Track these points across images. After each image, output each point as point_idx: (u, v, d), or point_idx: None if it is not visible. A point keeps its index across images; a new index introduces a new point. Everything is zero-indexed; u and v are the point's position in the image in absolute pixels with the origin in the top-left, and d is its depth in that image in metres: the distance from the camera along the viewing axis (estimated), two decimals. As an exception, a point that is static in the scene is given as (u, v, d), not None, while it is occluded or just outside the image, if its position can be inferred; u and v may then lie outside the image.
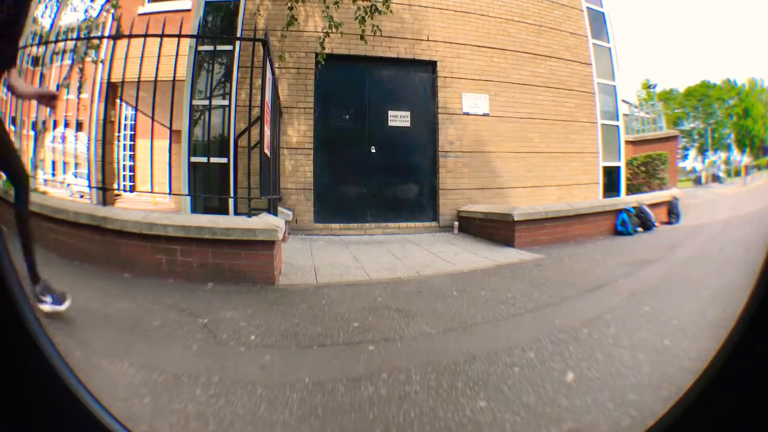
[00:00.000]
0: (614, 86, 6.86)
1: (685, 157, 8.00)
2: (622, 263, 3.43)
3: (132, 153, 6.30)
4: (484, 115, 5.99)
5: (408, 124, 5.87)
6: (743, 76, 7.36)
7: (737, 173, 6.97)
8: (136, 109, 5.93)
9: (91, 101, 5.00)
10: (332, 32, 5.02)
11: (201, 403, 1.43)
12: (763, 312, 0.69)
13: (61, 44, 4.96)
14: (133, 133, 6.39)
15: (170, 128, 3.53)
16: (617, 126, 6.81)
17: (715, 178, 7.17)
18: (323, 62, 5.29)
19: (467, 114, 5.97)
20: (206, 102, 4.91)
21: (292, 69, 5.45)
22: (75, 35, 5.05)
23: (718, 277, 2.73)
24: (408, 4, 5.88)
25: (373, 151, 5.77)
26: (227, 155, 4.95)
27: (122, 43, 3.51)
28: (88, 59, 4.83)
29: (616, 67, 6.85)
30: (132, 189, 5.68)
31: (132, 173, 6.21)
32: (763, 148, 7.10)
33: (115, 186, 5.54)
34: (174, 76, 3.47)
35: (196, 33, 4.66)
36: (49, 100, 2.10)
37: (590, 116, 6.45)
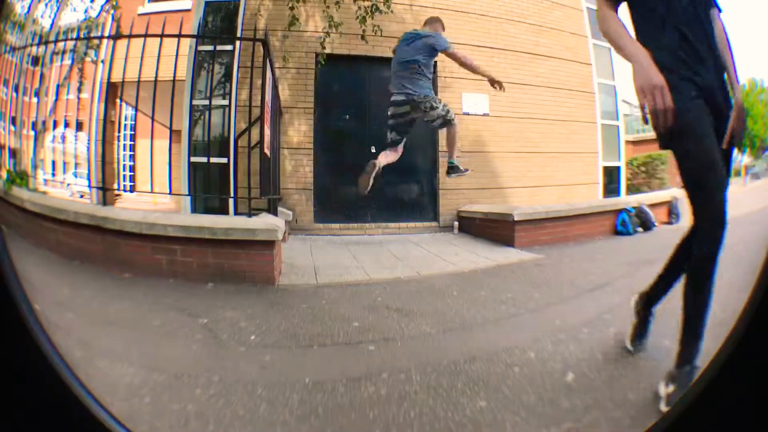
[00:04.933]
0: (614, 86, 6.85)
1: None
2: (622, 263, 3.43)
3: (132, 153, 6.29)
4: (484, 115, 5.98)
5: (408, 124, 5.87)
6: (743, 76, 7.36)
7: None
8: (136, 109, 5.92)
9: (91, 101, 5.00)
10: (333, 32, 5.01)
11: (201, 403, 1.43)
12: (763, 312, 0.69)
13: (61, 44, 4.95)
14: (133, 133, 6.38)
15: (170, 128, 3.53)
16: (617, 126, 6.81)
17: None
18: (324, 63, 5.29)
19: (467, 114, 5.97)
20: (206, 102, 4.90)
21: (292, 69, 5.45)
22: (75, 35, 5.04)
23: (718, 277, 2.72)
24: (409, 5, 5.88)
25: (374, 151, 5.76)
26: (227, 155, 4.95)
27: (122, 43, 3.52)
28: (88, 59, 4.82)
29: (616, 67, 6.85)
30: (132, 189, 5.67)
31: (132, 173, 6.21)
32: (763, 148, 7.10)
33: (115, 186, 5.53)
34: (174, 76, 3.47)
35: (196, 33, 4.66)
36: None
37: (590, 116, 6.44)
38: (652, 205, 4.82)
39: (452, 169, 4.10)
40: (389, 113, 3.86)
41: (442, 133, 4.25)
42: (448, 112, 3.95)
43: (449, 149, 4.11)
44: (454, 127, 4.01)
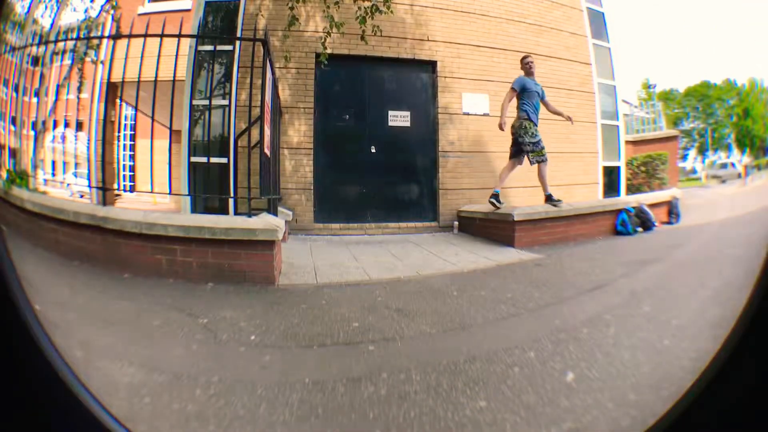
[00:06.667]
0: (614, 86, 6.86)
1: (685, 157, 8.01)
2: (622, 263, 3.43)
3: (132, 153, 6.30)
4: (484, 115, 5.98)
5: (408, 124, 5.87)
6: (743, 76, 7.37)
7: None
8: (136, 109, 5.92)
9: (91, 101, 5.00)
10: (333, 32, 5.01)
11: (201, 403, 1.43)
12: (763, 312, 0.69)
13: (61, 44, 4.96)
14: (133, 133, 6.38)
15: (170, 128, 3.53)
16: (617, 126, 6.81)
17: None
18: (326, 62, 5.28)
19: (467, 114, 5.97)
20: (206, 102, 4.91)
21: (292, 69, 5.45)
22: (75, 35, 5.05)
23: (718, 277, 2.73)
24: (409, 5, 5.88)
25: (373, 151, 5.77)
26: (227, 155, 4.95)
27: (122, 43, 3.51)
28: (88, 59, 4.82)
29: (616, 67, 6.86)
30: (132, 189, 5.68)
31: (132, 173, 6.21)
32: (763, 148, 7.10)
33: (115, 186, 5.53)
34: (174, 76, 3.46)
35: (196, 33, 4.66)
36: None
37: (590, 116, 6.45)
38: (652, 205, 4.82)
39: (549, 200, 4.52)
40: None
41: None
42: (535, 147, 4.62)
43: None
44: (540, 166, 4.64)
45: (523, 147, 4.64)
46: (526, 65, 4.76)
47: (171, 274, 2.71)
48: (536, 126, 4.64)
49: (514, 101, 4.68)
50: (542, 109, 4.77)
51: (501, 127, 4.64)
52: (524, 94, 4.64)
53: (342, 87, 5.80)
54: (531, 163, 4.64)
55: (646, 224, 4.56)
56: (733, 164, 7.32)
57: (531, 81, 4.70)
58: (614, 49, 6.87)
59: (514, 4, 6.27)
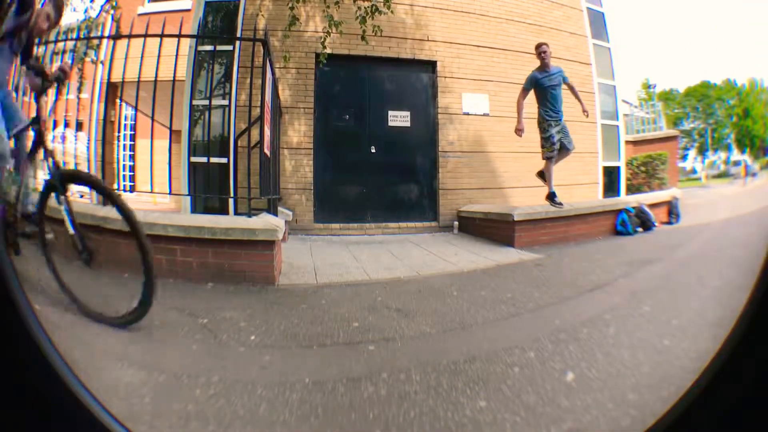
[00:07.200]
0: (614, 86, 6.85)
1: (684, 157, 8.01)
2: (622, 263, 3.43)
3: (132, 153, 6.30)
4: (484, 115, 5.98)
5: (408, 124, 5.87)
6: (743, 76, 7.37)
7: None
8: (136, 109, 5.92)
9: (91, 101, 5.00)
10: (333, 32, 5.01)
11: (201, 403, 1.43)
12: (763, 312, 0.69)
13: (61, 44, 4.95)
14: (133, 133, 6.39)
15: (170, 128, 3.53)
16: (617, 126, 6.81)
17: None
18: (325, 62, 5.28)
19: (467, 114, 5.97)
20: (206, 102, 4.90)
21: (292, 69, 5.45)
22: (75, 35, 5.05)
23: (718, 277, 2.73)
24: (409, 5, 5.88)
25: (373, 151, 5.77)
26: (227, 155, 4.95)
27: (122, 43, 3.51)
28: (88, 59, 4.82)
29: (616, 67, 6.86)
30: (132, 189, 5.68)
31: (132, 173, 6.21)
32: (763, 148, 7.11)
33: (115, 186, 5.53)
34: (174, 76, 3.47)
35: (196, 33, 4.66)
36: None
37: (590, 116, 6.44)
38: (652, 205, 4.82)
39: (550, 198, 4.49)
40: None
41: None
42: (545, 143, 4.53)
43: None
44: (546, 162, 4.57)
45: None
46: (540, 55, 4.56)
47: (171, 274, 2.71)
48: (549, 121, 4.47)
49: (532, 99, 4.57)
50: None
51: (518, 133, 4.53)
52: (537, 91, 4.51)
53: (342, 87, 5.80)
54: (543, 158, 4.59)
55: (646, 224, 4.56)
56: (745, 161, 7.30)
57: (543, 75, 4.51)
58: (614, 49, 6.88)
59: (514, 4, 6.27)
